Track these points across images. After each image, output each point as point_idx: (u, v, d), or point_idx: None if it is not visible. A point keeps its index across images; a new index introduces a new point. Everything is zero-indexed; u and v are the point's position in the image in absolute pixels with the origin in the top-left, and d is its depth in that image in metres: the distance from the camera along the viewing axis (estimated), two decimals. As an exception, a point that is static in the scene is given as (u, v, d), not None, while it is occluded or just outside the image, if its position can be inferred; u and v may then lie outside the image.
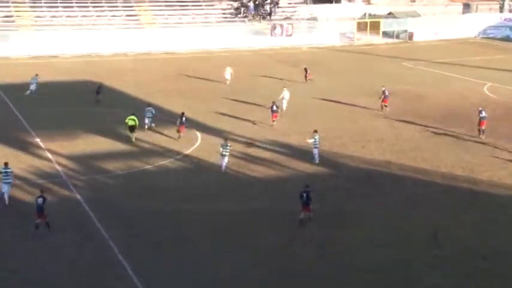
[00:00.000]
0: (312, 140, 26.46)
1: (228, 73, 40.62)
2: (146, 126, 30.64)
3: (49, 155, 27.00)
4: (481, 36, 65.65)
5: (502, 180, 24.81)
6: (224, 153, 25.68)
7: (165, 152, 27.77)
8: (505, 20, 66.36)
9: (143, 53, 54.42)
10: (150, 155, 27.38)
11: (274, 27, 60.95)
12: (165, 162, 26.66)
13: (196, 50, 56.06)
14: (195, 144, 28.90)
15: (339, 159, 27.25)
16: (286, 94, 35.12)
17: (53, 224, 20.03)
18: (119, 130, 30.51)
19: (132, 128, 29.05)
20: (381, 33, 63.75)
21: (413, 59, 51.91)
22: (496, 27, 66.13)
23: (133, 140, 28.98)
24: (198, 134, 30.49)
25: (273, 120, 31.87)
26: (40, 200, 19.80)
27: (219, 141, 29.33)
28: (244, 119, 33.15)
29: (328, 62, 50.91)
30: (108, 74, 44.33)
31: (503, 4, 68.11)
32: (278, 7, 65.75)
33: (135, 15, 60.91)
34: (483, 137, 30.13)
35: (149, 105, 32.04)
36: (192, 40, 57.38)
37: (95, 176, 24.96)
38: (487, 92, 40.15)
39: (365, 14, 68.74)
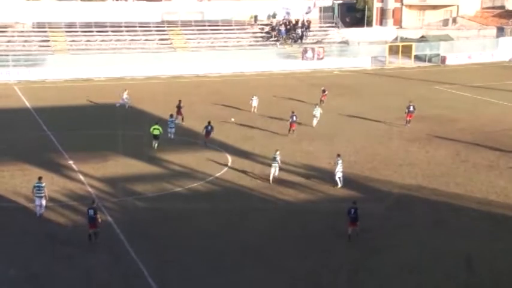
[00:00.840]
0: (337, 165, 26.14)
1: (255, 101, 40.84)
2: (171, 136, 33.05)
3: (81, 177, 27.39)
4: (514, 60, 64.79)
5: (538, 207, 24.22)
6: (273, 164, 27.09)
7: (196, 174, 27.91)
8: (539, 43, 65.37)
9: (175, 76, 55.15)
10: (181, 177, 27.55)
11: (305, 51, 61.21)
12: (195, 184, 26.77)
13: (227, 74, 56.60)
14: (225, 167, 29.01)
15: (370, 183, 26.98)
16: (317, 112, 36.35)
17: (84, 246, 20.23)
18: (149, 152, 30.84)
19: (156, 137, 31.48)
20: (412, 56, 63.41)
21: (445, 83, 51.41)
22: (530, 51, 65.21)
23: (155, 147, 31.25)
24: (229, 156, 30.64)
25: (290, 130, 33.84)
26: (91, 212, 20.80)
27: (249, 163, 29.48)
28: (273, 142, 33.20)
29: (360, 85, 50.75)
30: (141, 97, 44.99)
31: (537, 28, 67.17)
32: (309, 31, 66.09)
33: (168, 39, 61.92)
34: None
35: (171, 116, 34.03)
36: (223, 63, 57.99)
37: (126, 198, 25.20)
38: (521, 117, 39.44)
39: (397, 38, 68.68)
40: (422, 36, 69.44)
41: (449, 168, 29.21)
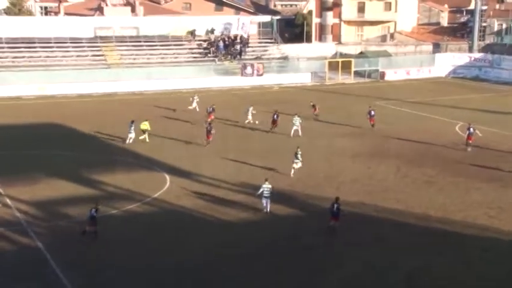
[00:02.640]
0: (261, 190, 25.52)
1: (249, 113, 41.35)
2: (129, 141, 35.59)
3: (8, 201, 26.46)
4: (451, 76, 67.38)
5: (476, 221, 25.11)
6: (295, 161, 29.64)
7: (133, 195, 27.49)
8: (474, 60, 68.31)
9: (109, 94, 54.38)
10: (116, 199, 27.05)
11: (244, 67, 61.73)
12: (132, 206, 26.35)
13: (164, 91, 56.30)
14: (163, 187, 28.72)
15: (312, 200, 27.30)
16: (296, 121, 38.34)
17: (11, 274, 19.51)
18: (83, 174, 30.19)
19: (144, 131, 36.34)
20: (352, 72, 64.99)
21: (385, 98, 52.89)
22: (465, 67, 67.96)
23: (145, 138, 36.02)
24: (167, 176, 30.36)
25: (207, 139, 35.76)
26: (93, 211, 22.39)
27: (188, 183, 29.29)
28: (217, 161, 33.17)
29: (300, 101, 51.48)
30: (73, 116, 44.05)
31: (472, 44, 70.20)
32: (248, 46, 66.74)
33: (101, 55, 61.07)
34: (469, 149, 34.97)
35: (132, 121, 36.22)
36: (160, 80, 57.65)
37: (57, 222, 24.49)
38: (459, 132, 40.96)
39: (336, 54, 70.34)
40: (361, 52, 71.42)
41: (390, 184, 29.95)
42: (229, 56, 64.91)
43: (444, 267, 21.19)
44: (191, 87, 57.60)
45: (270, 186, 25.47)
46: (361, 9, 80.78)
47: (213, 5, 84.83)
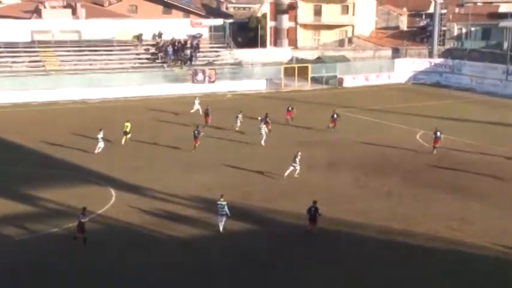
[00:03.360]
0: (220, 206, 25.35)
1: (238, 120, 43.21)
2: (98, 151, 36.35)
3: None
4: (411, 82, 68.97)
5: (439, 234, 25.72)
6: (293, 164, 31.35)
7: (75, 212, 27.03)
8: (434, 65, 70.12)
9: (48, 103, 53.48)
10: (57, 216, 26.59)
11: (195, 73, 61.73)
12: (74, 224, 25.91)
13: (109, 99, 55.75)
14: (109, 202, 28.42)
15: (267, 214, 27.46)
16: (262, 128, 39.61)
17: None
18: (21, 190, 29.58)
19: (126, 133, 38.86)
20: (309, 78, 65.76)
21: (343, 106, 53.64)
22: (426, 72, 69.71)
23: (126, 140, 38.85)
24: (113, 190, 30.06)
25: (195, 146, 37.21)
26: (81, 216, 23.71)
27: (135, 198, 29.05)
28: (170, 172, 33.03)
29: (255, 109, 51.71)
30: (6, 127, 43.11)
31: (432, 49, 72.06)
32: (199, 51, 66.77)
33: (39, 61, 60.05)
34: (435, 152, 37.46)
35: (100, 129, 36.87)
36: (104, 88, 57.07)
37: (-8, 242, 23.93)
38: (420, 140, 41.92)
39: (292, 59, 71.04)
40: (319, 57, 72.40)
41: (350, 195, 30.40)
42: (179, 62, 64.81)
43: (409, 283, 21.62)
44: (138, 95, 57.28)
45: (224, 203, 25.34)
46: (317, 12, 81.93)
47: (160, 7, 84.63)
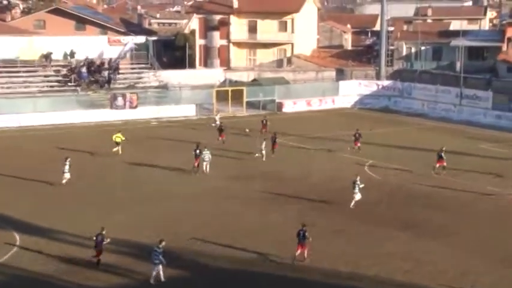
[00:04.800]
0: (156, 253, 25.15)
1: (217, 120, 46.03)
2: (64, 182, 37.30)
3: None
4: (357, 106, 70.43)
5: (391, 276, 26.16)
6: (355, 191, 33.37)
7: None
8: (382, 88, 71.95)
9: None
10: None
11: (114, 98, 61.19)
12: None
13: (11, 128, 54.57)
14: (12, 249, 27.66)
15: (201, 258, 27.35)
16: (206, 155, 40.80)
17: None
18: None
19: (118, 143, 44.77)
20: (244, 103, 66.23)
21: (283, 134, 54.11)
22: (373, 96, 71.38)
23: (118, 151, 44.57)
24: (17, 235, 29.30)
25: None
26: (100, 238, 26.07)
27: (44, 242, 28.36)
28: (72, 212, 32.46)
29: (182, 138, 51.61)
30: None
31: (379, 70, 73.93)
32: (119, 73, 66.40)
33: None
34: (434, 173, 40.74)
35: (66, 158, 37.73)
36: (7, 115, 55.80)
37: None
38: (369, 172, 42.73)
39: (225, 81, 71.49)
40: (255, 80, 73.13)
41: (293, 234, 30.52)
42: (95, 85, 64.18)
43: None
44: (47, 123, 56.22)
45: (161, 250, 25.01)
46: (252, 29, 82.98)
47: (72, 22, 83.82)
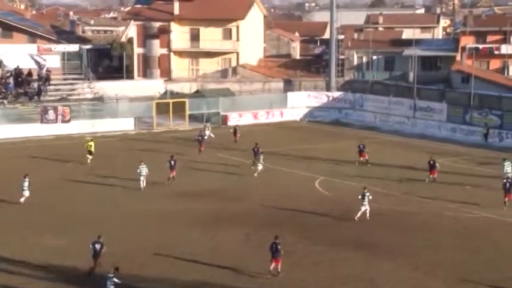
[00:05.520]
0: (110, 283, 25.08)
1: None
2: (23, 200, 37.74)
3: None
4: (307, 119, 70.90)
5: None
6: (364, 202, 35.53)
7: None
8: (333, 100, 72.62)
9: None
10: None
11: (45, 111, 60.17)
12: None
13: None
14: None
15: (140, 284, 26.97)
16: (143, 170, 41.12)
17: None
18: None
19: (90, 152, 47.49)
20: (187, 116, 65.97)
21: (229, 149, 54.15)
22: (323, 108, 72.04)
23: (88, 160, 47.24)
24: None
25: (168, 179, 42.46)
26: (98, 246, 27.23)
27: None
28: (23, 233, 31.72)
29: (119, 155, 51.04)
30: None
31: (329, 80, 74.52)
32: (50, 84, 65.42)
33: None
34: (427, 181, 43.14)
35: (25, 175, 38.08)
36: None
37: None
38: (319, 188, 42.96)
39: (166, 93, 71.11)
40: (198, 91, 72.92)
41: (239, 256, 30.39)
42: (24, 97, 63.06)
43: None
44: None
45: (113, 278, 24.91)
46: (195, 37, 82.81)
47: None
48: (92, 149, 47.82)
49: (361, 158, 49.03)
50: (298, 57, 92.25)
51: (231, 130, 58.20)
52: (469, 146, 56.29)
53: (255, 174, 45.01)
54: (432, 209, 38.00)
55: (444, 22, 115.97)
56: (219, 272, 28.48)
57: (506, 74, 76.93)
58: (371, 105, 70.19)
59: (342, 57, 79.52)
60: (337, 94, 73.11)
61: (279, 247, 27.98)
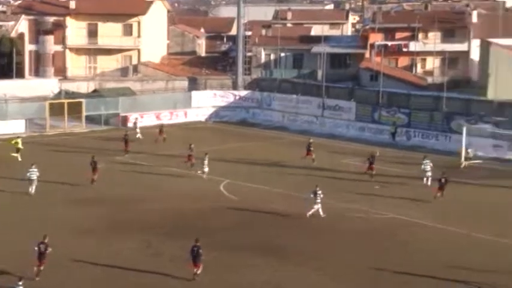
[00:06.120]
0: None
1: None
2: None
3: None
4: (213, 119, 70.92)
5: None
6: (317, 200, 36.81)
7: None
8: (240, 99, 72.89)
9: None
10: None
11: None
12: None
13: None
14: None
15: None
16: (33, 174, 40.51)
17: None
18: None
19: (18, 149, 49.25)
20: (83, 118, 64.89)
21: (128, 151, 53.47)
22: (230, 108, 72.21)
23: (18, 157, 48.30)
24: None
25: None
26: (43, 247, 27.92)
27: None
28: None
29: (6, 161, 49.74)
30: None
31: (236, 79, 74.80)
32: None
33: None
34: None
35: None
36: None
37: None
38: (225, 192, 43.00)
39: (61, 93, 69.76)
40: (95, 90, 71.85)
41: (138, 265, 30.06)
42: None
43: None
44: None
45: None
46: (92, 33, 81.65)
47: None
48: (20, 145, 49.77)
49: (308, 156, 50.15)
50: (203, 54, 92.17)
51: (157, 129, 59.22)
52: (377, 145, 57.38)
53: (204, 176, 45.54)
54: (340, 211, 38.52)
55: (353, 18, 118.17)
56: (116, 283, 28.16)
57: (414, 71, 79.00)
58: (279, 105, 70.77)
59: (249, 54, 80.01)
60: (244, 93, 73.40)
61: (200, 251, 28.36)
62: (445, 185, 40.77)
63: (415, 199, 41.46)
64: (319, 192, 36.98)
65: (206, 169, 45.73)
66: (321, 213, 37.03)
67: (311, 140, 51.72)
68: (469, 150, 51.37)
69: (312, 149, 50.57)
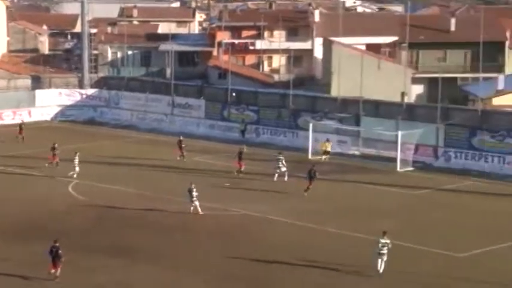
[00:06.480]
0: None
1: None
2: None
3: None
4: (59, 119, 69.34)
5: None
6: (193, 199, 37.31)
7: None
8: (87, 97, 71.62)
9: None
10: None
11: None
12: None
13: None
14: None
15: None
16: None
17: None
18: None
19: None
20: None
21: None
22: (77, 107, 70.88)
23: None
24: None
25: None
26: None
27: None
28: None
29: None
30: None
31: (82, 77, 73.31)
32: None
33: None
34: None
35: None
36: None
37: None
38: (73, 193, 42.34)
39: None
40: None
41: None
42: None
43: None
44: None
45: None
46: None
47: None
48: None
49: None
50: (47, 52, 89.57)
51: (17, 127, 58.45)
52: (227, 142, 58.08)
53: (75, 176, 45.25)
54: (190, 209, 38.61)
55: (200, 16, 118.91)
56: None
57: (261, 69, 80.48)
58: (127, 103, 70.06)
59: (95, 52, 78.69)
60: (91, 91, 72.15)
61: (59, 251, 28.02)
62: (314, 179, 41.84)
63: (266, 195, 42.34)
64: (195, 189, 37.59)
65: (77, 169, 45.34)
66: (199, 210, 37.74)
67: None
68: (327, 144, 52.69)
69: (183, 145, 51.57)
